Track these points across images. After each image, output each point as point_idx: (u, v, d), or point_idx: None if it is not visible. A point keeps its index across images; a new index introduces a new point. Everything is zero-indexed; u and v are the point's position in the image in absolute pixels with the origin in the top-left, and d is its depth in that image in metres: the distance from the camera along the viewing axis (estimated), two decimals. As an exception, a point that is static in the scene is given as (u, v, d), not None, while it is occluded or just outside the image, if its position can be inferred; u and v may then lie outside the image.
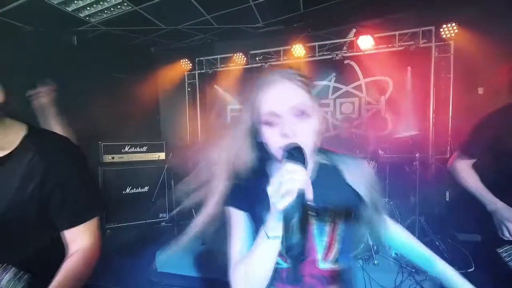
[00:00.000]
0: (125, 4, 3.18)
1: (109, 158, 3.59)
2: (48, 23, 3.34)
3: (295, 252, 0.50)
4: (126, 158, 3.67)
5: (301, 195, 0.51)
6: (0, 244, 0.76)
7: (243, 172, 0.71)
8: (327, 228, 0.68)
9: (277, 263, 0.68)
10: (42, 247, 0.82)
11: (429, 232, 2.93)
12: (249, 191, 0.70)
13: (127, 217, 3.55)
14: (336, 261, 0.69)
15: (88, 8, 3.19)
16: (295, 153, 0.56)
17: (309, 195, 0.54)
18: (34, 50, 3.25)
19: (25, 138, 0.78)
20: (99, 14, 3.35)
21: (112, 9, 3.26)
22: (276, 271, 0.68)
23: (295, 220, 0.50)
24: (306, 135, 0.63)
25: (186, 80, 4.95)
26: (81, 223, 0.84)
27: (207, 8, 3.50)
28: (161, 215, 3.78)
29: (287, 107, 0.63)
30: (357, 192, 0.70)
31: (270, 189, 0.53)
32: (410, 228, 3.03)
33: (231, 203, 0.71)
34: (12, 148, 0.78)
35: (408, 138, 3.04)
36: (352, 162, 0.76)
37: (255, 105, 0.67)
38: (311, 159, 0.72)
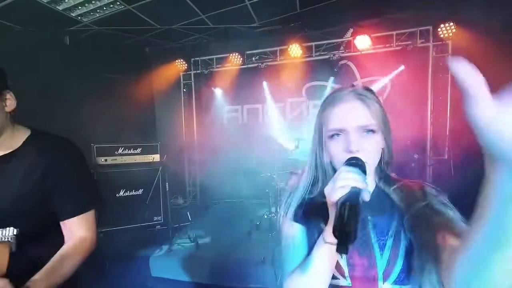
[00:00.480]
0: (118, 3, 3.11)
1: (102, 160, 3.52)
2: (38, 23, 3.26)
3: (343, 239, 0.47)
4: (119, 160, 3.60)
5: (356, 193, 0.51)
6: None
7: (310, 189, 0.74)
8: (389, 242, 0.64)
9: (334, 278, 0.64)
10: (44, 234, 0.90)
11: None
12: (312, 209, 0.70)
13: (121, 221, 3.47)
14: (400, 281, 0.61)
15: (79, 7, 3.12)
16: (353, 160, 0.59)
17: (366, 197, 0.52)
18: (25, 50, 3.18)
19: (28, 139, 0.90)
20: (91, 13, 3.28)
21: (104, 8, 3.19)
22: None
23: (348, 211, 0.48)
24: (369, 151, 0.64)
25: (182, 80, 4.89)
26: (79, 214, 0.92)
27: (202, 8, 3.45)
28: (155, 218, 3.71)
29: (356, 124, 0.64)
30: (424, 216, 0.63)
31: (328, 187, 0.55)
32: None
33: (295, 218, 0.72)
34: (17, 147, 0.90)
35: (406, 140, 3.00)
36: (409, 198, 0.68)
37: (322, 120, 0.70)
38: (371, 176, 0.71)
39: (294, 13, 3.73)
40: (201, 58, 4.70)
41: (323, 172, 0.72)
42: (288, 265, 0.67)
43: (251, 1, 3.33)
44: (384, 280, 0.62)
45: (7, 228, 0.81)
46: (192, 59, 4.74)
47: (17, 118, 0.92)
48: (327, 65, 4.14)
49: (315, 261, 0.59)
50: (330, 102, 0.69)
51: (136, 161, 3.67)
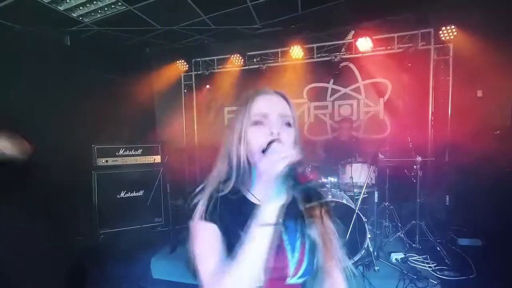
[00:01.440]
0: (119, 3, 3.10)
1: (103, 161, 3.50)
2: (39, 23, 3.24)
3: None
4: (120, 161, 3.58)
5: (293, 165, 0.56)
6: None
7: (220, 185, 0.72)
8: (298, 244, 0.71)
9: None
10: None
11: (429, 237, 2.90)
12: (224, 206, 0.70)
13: (122, 222, 3.46)
14: (302, 276, 0.70)
15: (81, 8, 3.11)
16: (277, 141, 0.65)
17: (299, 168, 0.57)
18: (25, 50, 3.15)
19: None
20: (93, 14, 3.26)
21: (106, 8, 3.18)
22: None
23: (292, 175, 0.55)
24: (286, 143, 0.68)
25: (183, 81, 4.88)
26: None
27: (203, 9, 3.44)
28: (156, 219, 3.70)
29: (277, 112, 0.70)
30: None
31: (265, 163, 0.59)
32: (411, 233, 3.00)
33: (209, 217, 0.69)
34: None
35: (408, 142, 3.00)
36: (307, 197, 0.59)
37: (246, 108, 0.71)
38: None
39: (295, 14, 3.73)
40: (202, 59, 4.69)
41: (238, 166, 0.71)
42: (208, 265, 0.65)
43: (253, 3, 3.33)
44: (293, 276, 0.69)
45: None
46: (193, 60, 4.72)
47: None
48: (328, 67, 4.14)
49: (251, 250, 0.58)
50: (253, 95, 0.73)
51: (137, 162, 3.65)
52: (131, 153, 3.64)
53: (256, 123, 0.69)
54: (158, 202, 3.70)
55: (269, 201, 0.59)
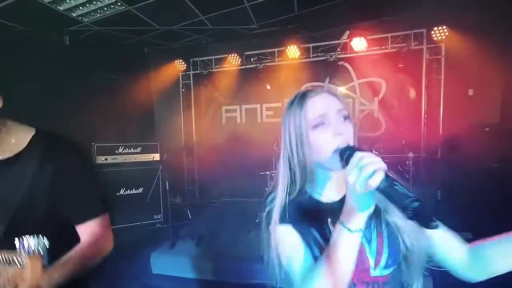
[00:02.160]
0: (119, 4, 3.14)
1: (103, 159, 3.54)
2: (39, 23, 3.28)
3: (420, 209, 0.47)
4: (120, 159, 3.63)
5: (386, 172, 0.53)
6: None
7: (288, 188, 0.74)
8: (374, 235, 0.70)
9: None
10: (56, 239, 0.83)
11: (421, 230, 2.98)
12: (298, 209, 0.72)
13: (121, 219, 3.51)
14: (386, 267, 0.69)
15: (80, 8, 3.15)
16: (349, 149, 0.61)
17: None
18: (25, 50, 3.19)
19: (33, 138, 0.82)
20: (92, 13, 3.30)
21: (105, 8, 3.22)
22: None
23: (399, 188, 0.50)
24: (348, 137, 0.67)
25: (181, 81, 4.93)
26: (95, 217, 0.90)
27: (201, 9, 3.50)
28: (155, 216, 3.75)
29: (335, 108, 0.69)
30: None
31: (351, 176, 0.54)
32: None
33: (285, 220, 0.72)
34: (20, 150, 0.81)
35: (401, 139, 3.09)
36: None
37: (301, 113, 0.70)
38: None
39: (292, 15, 3.80)
40: (200, 58, 4.75)
41: (301, 170, 0.72)
42: (295, 268, 0.67)
43: (250, 3, 3.40)
44: (375, 267, 0.69)
45: (39, 236, 0.77)
46: (191, 59, 4.78)
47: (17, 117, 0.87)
48: (324, 66, 4.22)
49: (340, 253, 0.60)
50: (303, 96, 0.72)
51: (136, 160, 3.70)
52: (130, 151, 3.69)
53: (317, 126, 0.68)
54: (157, 199, 3.75)
55: (357, 208, 0.57)
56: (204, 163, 4.82)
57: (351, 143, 0.67)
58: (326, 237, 0.67)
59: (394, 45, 3.80)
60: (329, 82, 4.47)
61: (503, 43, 3.35)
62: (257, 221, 3.56)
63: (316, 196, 0.76)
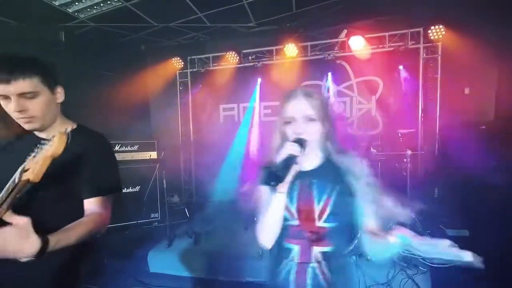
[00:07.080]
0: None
1: (99, 157, 3.50)
2: (34, 18, 3.23)
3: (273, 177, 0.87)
4: (116, 157, 3.59)
5: (292, 158, 0.89)
6: (34, 208, 0.92)
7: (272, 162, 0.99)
8: (324, 197, 0.97)
9: (286, 220, 0.98)
10: (67, 210, 1.03)
11: (419, 227, 3.00)
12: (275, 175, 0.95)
13: (118, 218, 3.46)
14: (326, 221, 0.96)
15: (76, 3, 3.11)
16: (297, 140, 0.93)
17: (299, 162, 0.91)
18: (19, 46, 3.14)
19: (72, 131, 0.96)
20: (88, 9, 3.26)
21: (102, 4, 3.19)
22: (286, 229, 0.99)
23: (283, 164, 0.88)
24: (311, 134, 0.96)
25: (178, 78, 4.89)
26: (100, 196, 1.07)
27: (199, 6, 3.48)
28: (153, 215, 3.73)
29: (301, 115, 0.96)
30: (350, 186, 0.97)
31: (279, 151, 0.93)
32: (401, 224, 3.09)
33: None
34: None
35: (399, 136, 3.10)
36: (349, 161, 1.01)
37: (281, 110, 1.02)
38: (316, 151, 1.03)
39: (290, 13, 3.80)
40: (197, 56, 4.71)
41: (279, 146, 1.00)
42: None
43: (248, 1, 3.39)
44: (319, 220, 0.96)
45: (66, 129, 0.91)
46: (189, 57, 4.74)
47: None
48: (322, 64, 4.22)
49: (271, 208, 0.95)
50: (288, 97, 1.00)
51: (133, 158, 3.67)
52: (127, 149, 3.66)
53: (287, 123, 0.98)
54: (154, 198, 3.72)
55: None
56: (201, 162, 4.79)
57: (311, 138, 0.96)
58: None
59: (392, 44, 3.82)
60: (326, 81, 4.48)
61: (499, 42, 3.38)
62: (254, 219, 3.56)
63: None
